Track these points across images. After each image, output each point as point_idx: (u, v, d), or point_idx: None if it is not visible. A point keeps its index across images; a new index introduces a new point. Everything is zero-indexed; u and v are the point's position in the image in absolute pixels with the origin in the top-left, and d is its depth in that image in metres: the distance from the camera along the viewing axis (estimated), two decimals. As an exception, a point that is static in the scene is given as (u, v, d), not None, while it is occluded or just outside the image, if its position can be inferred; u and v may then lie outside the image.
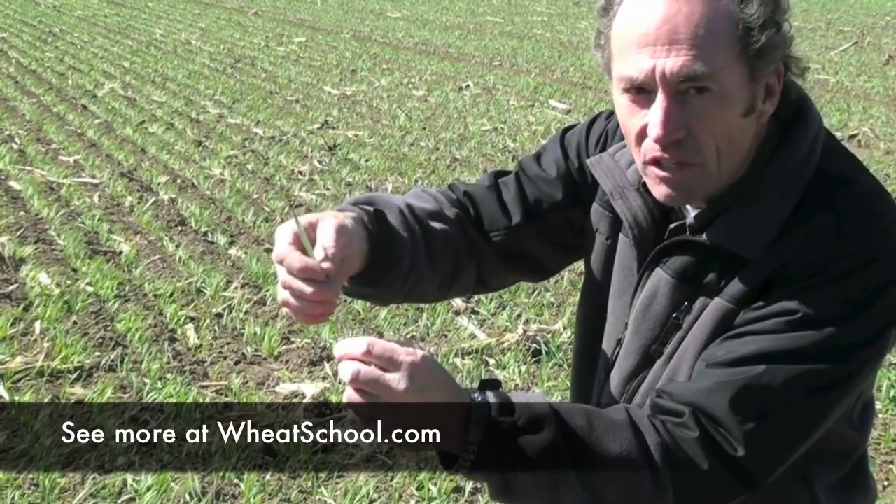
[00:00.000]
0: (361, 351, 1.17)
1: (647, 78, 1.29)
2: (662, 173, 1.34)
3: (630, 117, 1.34)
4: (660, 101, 1.29)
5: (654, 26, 1.28)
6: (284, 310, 1.33)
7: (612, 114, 1.59)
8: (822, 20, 20.95)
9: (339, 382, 4.19)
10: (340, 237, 1.32)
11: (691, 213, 1.43)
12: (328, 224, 1.33)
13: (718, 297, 1.36)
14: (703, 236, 1.38)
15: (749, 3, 1.28)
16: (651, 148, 1.33)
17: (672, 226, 1.45)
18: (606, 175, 1.50)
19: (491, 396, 1.25)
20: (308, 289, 1.27)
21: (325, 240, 1.31)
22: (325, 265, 1.28)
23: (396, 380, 1.17)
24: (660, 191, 1.36)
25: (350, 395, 1.18)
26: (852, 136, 9.34)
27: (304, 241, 1.29)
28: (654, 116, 1.30)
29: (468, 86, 12.10)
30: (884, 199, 1.36)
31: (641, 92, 1.32)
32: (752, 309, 1.32)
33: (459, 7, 22.79)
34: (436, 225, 1.54)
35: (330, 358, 4.44)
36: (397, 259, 1.44)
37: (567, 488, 1.26)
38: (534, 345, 4.63)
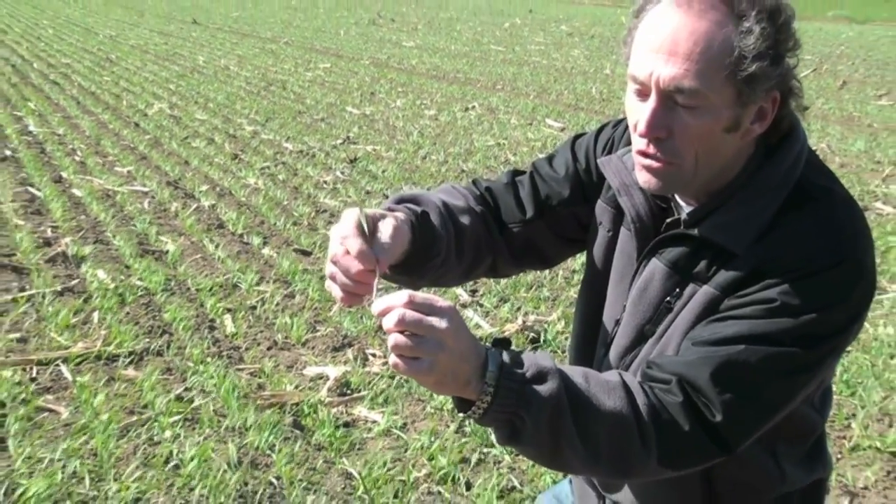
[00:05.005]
0: (403, 301, 1.18)
1: (646, 79, 1.31)
2: (645, 162, 1.37)
3: (632, 111, 1.37)
4: (651, 101, 1.32)
5: (662, 36, 1.30)
6: (327, 283, 1.34)
7: (618, 122, 1.62)
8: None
9: (360, 365, 4.19)
10: (397, 236, 1.36)
11: (685, 210, 1.44)
12: (389, 223, 1.36)
13: (706, 284, 1.36)
14: (696, 231, 1.39)
15: (748, 35, 1.27)
16: (639, 141, 1.36)
17: (668, 221, 1.47)
18: (615, 174, 1.52)
19: (504, 351, 1.26)
20: (355, 268, 1.29)
21: (385, 236, 1.34)
22: (381, 256, 1.31)
23: (438, 320, 1.18)
24: (641, 177, 1.39)
25: (397, 339, 1.17)
26: (812, 152, 9.29)
27: (364, 229, 1.31)
28: (643, 113, 1.33)
29: (474, 106, 12.09)
30: (854, 208, 1.36)
31: (642, 91, 1.34)
32: (736, 297, 1.32)
33: (466, 37, 22.77)
34: (465, 221, 1.58)
35: (351, 344, 4.44)
36: (435, 255, 1.48)
37: (566, 437, 1.26)
38: (532, 333, 4.62)
